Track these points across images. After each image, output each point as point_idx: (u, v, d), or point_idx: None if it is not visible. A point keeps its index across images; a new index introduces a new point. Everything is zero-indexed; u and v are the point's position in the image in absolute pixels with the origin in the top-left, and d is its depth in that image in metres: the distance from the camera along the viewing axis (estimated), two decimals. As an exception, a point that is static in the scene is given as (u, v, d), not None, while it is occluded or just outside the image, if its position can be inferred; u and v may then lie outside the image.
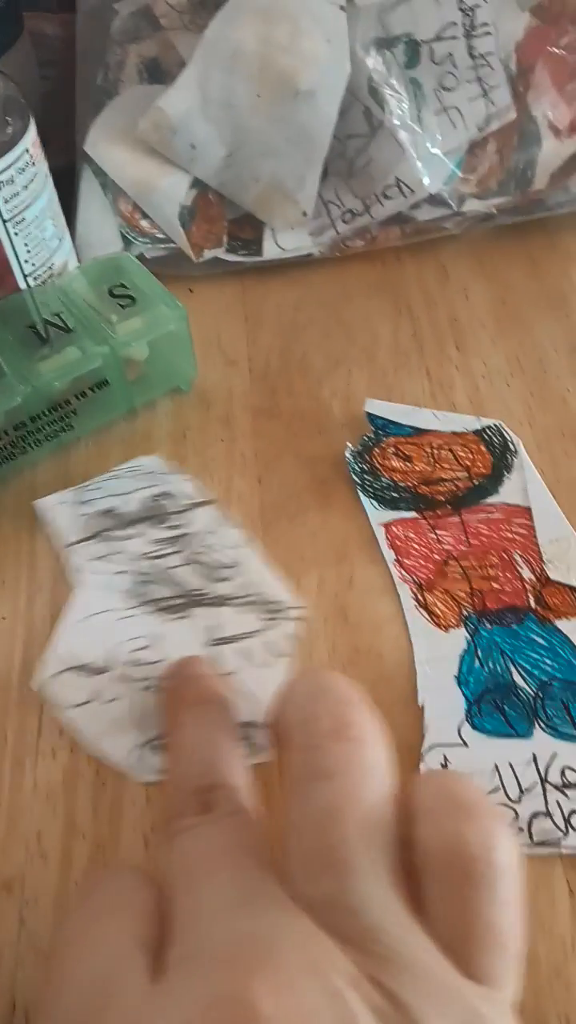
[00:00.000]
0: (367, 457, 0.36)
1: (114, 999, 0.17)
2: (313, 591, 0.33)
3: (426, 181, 0.41)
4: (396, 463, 0.36)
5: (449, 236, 0.45)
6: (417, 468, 0.35)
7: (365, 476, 0.35)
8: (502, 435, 0.37)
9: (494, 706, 0.29)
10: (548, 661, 0.30)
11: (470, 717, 0.29)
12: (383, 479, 0.35)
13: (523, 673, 0.30)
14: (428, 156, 0.42)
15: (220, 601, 0.32)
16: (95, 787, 0.28)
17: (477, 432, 0.37)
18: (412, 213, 0.43)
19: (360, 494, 0.35)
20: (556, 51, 0.41)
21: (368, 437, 0.37)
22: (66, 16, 0.48)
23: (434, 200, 0.43)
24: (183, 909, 0.18)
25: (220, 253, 0.44)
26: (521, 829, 0.27)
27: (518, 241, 0.45)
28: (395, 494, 0.35)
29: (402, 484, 0.35)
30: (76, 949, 0.18)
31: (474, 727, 0.29)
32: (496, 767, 0.28)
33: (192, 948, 0.17)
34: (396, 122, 0.41)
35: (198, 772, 0.23)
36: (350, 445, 0.36)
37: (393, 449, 0.36)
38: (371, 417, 0.37)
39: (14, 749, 0.29)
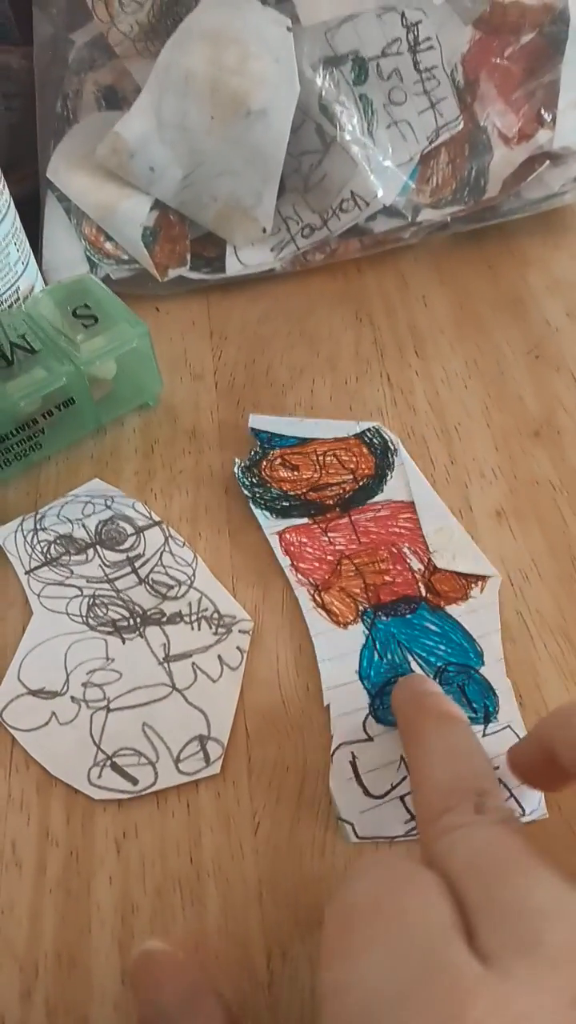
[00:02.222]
0: (255, 471, 0.37)
1: (439, 972, 0.16)
2: (280, 596, 0.33)
3: (380, 193, 0.42)
4: (284, 473, 0.37)
5: (407, 246, 0.46)
6: (304, 476, 0.37)
7: (255, 489, 0.36)
8: (382, 436, 0.38)
9: None
10: (442, 647, 0.31)
11: (373, 711, 0.30)
12: (273, 490, 0.36)
13: (420, 661, 0.31)
14: (381, 169, 0.43)
15: (173, 619, 0.32)
16: (67, 795, 0.29)
17: (358, 436, 0.38)
18: (369, 225, 0.44)
19: (252, 506, 0.36)
20: (500, 62, 0.42)
21: (255, 451, 0.38)
22: (29, 49, 0.49)
23: (390, 211, 0.44)
24: (497, 901, 0.18)
25: (184, 271, 0.45)
26: None
27: (474, 248, 0.46)
28: (286, 503, 0.36)
29: (291, 493, 0.36)
30: (384, 917, 0.18)
31: (378, 720, 0.30)
32: (401, 758, 0.29)
33: (527, 941, 0.17)
34: (348, 137, 0.42)
35: (471, 775, 0.23)
36: (238, 460, 0.37)
37: (280, 460, 0.37)
38: (255, 432, 0.38)
39: (-12, 762, 0.30)
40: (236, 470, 0.37)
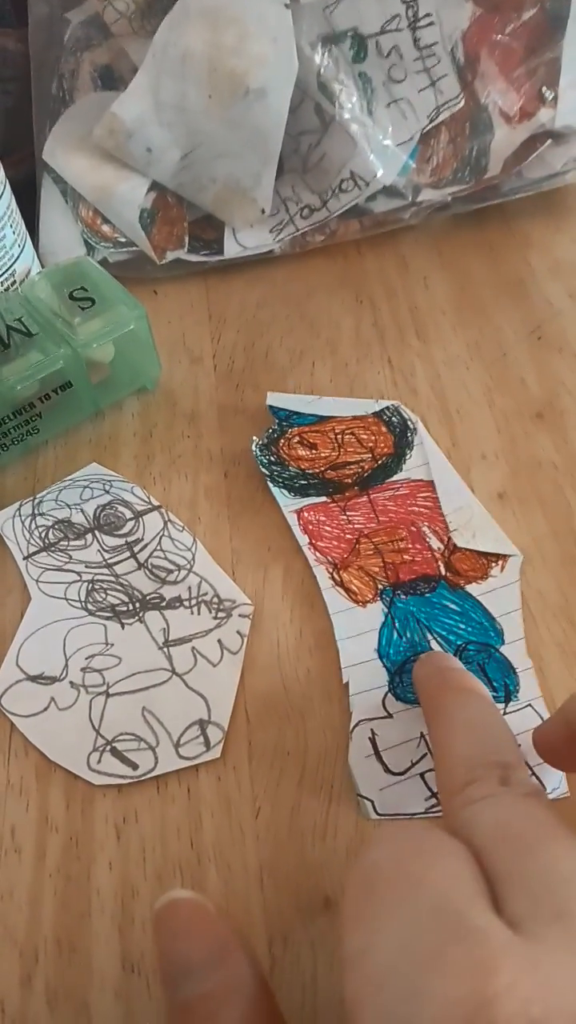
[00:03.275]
0: (273, 449, 0.37)
1: (466, 935, 0.16)
2: (280, 580, 0.33)
3: (380, 173, 0.42)
4: (302, 452, 0.36)
5: (407, 227, 0.45)
6: (323, 455, 0.36)
7: (273, 467, 0.36)
8: (400, 415, 0.38)
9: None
10: (462, 626, 0.31)
11: (393, 688, 0.30)
12: (291, 468, 0.36)
13: (439, 640, 0.31)
14: (381, 148, 0.42)
15: (173, 603, 0.32)
16: (67, 781, 0.29)
17: (377, 414, 0.38)
18: (369, 205, 0.44)
19: (270, 484, 0.35)
20: (501, 39, 0.42)
21: (273, 429, 0.37)
22: (25, 31, 0.48)
23: (390, 191, 0.43)
24: (525, 869, 0.18)
25: (182, 254, 0.44)
26: None
27: (475, 228, 0.46)
28: (303, 481, 0.35)
29: (309, 471, 0.36)
30: (408, 881, 0.18)
31: (397, 698, 0.30)
32: (422, 735, 0.29)
33: (557, 908, 0.17)
34: (347, 116, 0.41)
35: (495, 748, 0.22)
36: (255, 438, 0.37)
37: (298, 438, 0.37)
38: (273, 409, 0.38)
39: (-13, 747, 0.30)
40: (254, 447, 0.36)
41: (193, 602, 0.32)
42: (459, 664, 0.28)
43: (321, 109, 0.42)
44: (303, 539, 0.34)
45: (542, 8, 0.41)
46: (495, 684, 0.30)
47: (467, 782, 0.21)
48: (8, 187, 0.38)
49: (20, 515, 0.35)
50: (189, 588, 0.33)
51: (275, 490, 0.35)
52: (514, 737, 0.24)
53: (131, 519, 0.35)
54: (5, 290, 0.39)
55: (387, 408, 0.38)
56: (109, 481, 0.36)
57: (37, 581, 0.33)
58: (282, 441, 0.37)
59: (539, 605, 0.32)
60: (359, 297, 0.43)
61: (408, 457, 0.36)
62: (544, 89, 0.43)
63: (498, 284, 0.43)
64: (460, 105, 0.42)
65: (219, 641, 0.31)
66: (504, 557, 0.33)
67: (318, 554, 0.33)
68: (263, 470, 0.36)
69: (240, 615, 0.32)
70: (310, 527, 0.34)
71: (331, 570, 0.33)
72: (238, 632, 0.31)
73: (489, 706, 0.25)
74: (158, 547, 0.34)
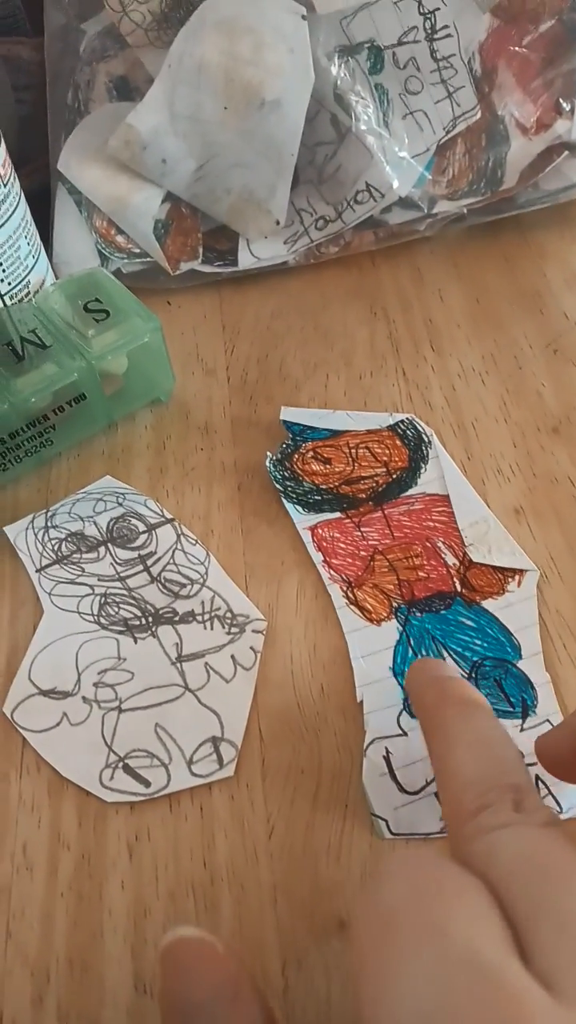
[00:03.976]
0: (287, 464, 0.36)
1: (497, 995, 0.15)
2: (294, 594, 0.33)
3: (396, 184, 0.42)
4: (316, 466, 0.36)
5: (423, 238, 0.45)
6: (337, 469, 0.36)
7: (287, 483, 0.36)
8: (415, 428, 0.37)
9: None
10: (478, 642, 0.31)
11: (407, 706, 0.29)
12: (305, 484, 0.36)
13: (455, 656, 0.31)
14: (396, 160, 0.42)
15: (186, 618, 0.32)
16: (79, 798, 0.28)
17: (391, 427, 0.37)
18: (384, 217, 0.44)
19: (284, 501, 0.35)
20: (519, 50, 0.41)
21: (287, 444, 0.37)
22: (41, 40, 0.48)
23: (405, 203, 0.43)
24: (553, 913, 0.16)
25: (196, 265, 0.44)
26: None
27: (491, 240, 0.46)
28: (318, 497, 0.35)
29: (323, 487, 0.36)
30: (428, 926, 0.16)
31: (412, 716, 0.29)
32: None
33: None
34: (363, 128, 0.41)
35: (506, 769, 0.21)
36: (269, 454, 0.37)
37: (312, 453, 0.37)
38: (287, 424, 0.38)
39: (-1, 763, 0.29)
40: (268, 463, 0.36)
41: (206, 617, 0.32)
42: (455, 671, 0.27)
43: (337, 120, 0.42)
44: (317, 557, 0.34)
45: (560, 20, 0.41)
46: (512, 699, 0.29)
47: (479, 808, 0.20)
48: (23, 199, 0.38)
49: (33, 527, 0.35)
50: (202, 602, 0.32)
51: (289, 506, 0.35)
52: (520, 754, 0.22)
53: (144, 532, 0.35)
54: (19, 301, 0.39)
55: (402, 421, 0.38)
56: (122, 494, 0.36)
57: (50, 594, 0.33)
58: (296, 456, 0.37)
59: (556, 622, 0.31)
60: (374, 309, 0.43)
61: (423, 471, 0.36)
62: (561, 100, 0.43)
63: (514, 296, 0.43)
64: (477, 117, 0.42)
65: (232, 657, 0.31)
66: (521, 572, 0.33)
67: (332, 572, 0.33)
68: (277, 486, 0.36)
69: (253, 631, 0.32)
70: (324, 544, 0.34)
71: (345, 588, 0.33)
72: (251, 648, 0.31)
73: (494, 721, 0.23)
74: (171, 560, 0.34)
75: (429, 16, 0.40)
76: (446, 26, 0.40)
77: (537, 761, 0.25)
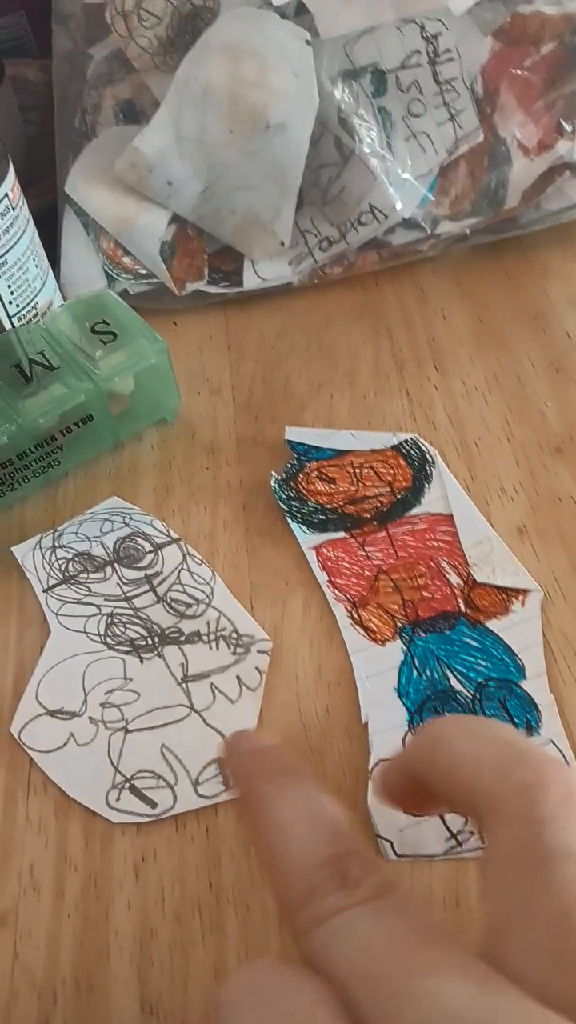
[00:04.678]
0: (292, 484, 0.37)
1: None
2: (299, 614, 0.33)
3: (399, 206, 0.42)
4: (320, 486, 0.36)
5: (426, 258, 0.45)
6: (341, 489, 0.36)
7: (292, 502, 0.36)
8: (419, 448, 0.37)
9: (435, 713, 0.30)
10: (482, 662, 0.31)
11: (412, 727, 0.30)
12: (310, 503, 0.36)
13: (460, 677, 0.31)
14: (400, 181, 0.42)
15: (191, 638, 0.32)
16: (85, 818, 0.29)
17: (395, 447, 0.38)
18: (387, 238, 0.44)
19: (288, 520, 0.35)
20: (520, 72, 0.42)
21: (291, 464, 0.37)
22: (48, 62, 0.49)
23: (408, 224, 0.44)
24: (399, 1017, 0.15)
25: (202, 286, 0.45)
26: (472, 832, 0.27)
27: (494, 260, 0.46)
28: (322, 516, 0.35)
29: (328, 506, 0.36)
30: None
31: None
32: None
33: None
34: (367, 150, 0.42)
35: (320, 840, 0.19)
36: (274, 474, 0.37)
37: (316, 473, 0.37)
38: (292, 444, 0.38)
39: (6, 783, 0.30)
40: (273, 483, 0.36)
41: (212, 637, 0.32)
42: (267, 741, 0.24)
43: (341, 143, 0.42)
44: (322, 576, 0.34)
45: (561, 43, 0.42)
46: (517, 720, 0.30)
47: (305, 895, 0.18)
48: (31, 222, 0.38)
49: (40, 547, 0.35)
50: (208, 623, 0.33)
51: (294, 526, 0.35)
52: (343, 815, 0.20)
53: (150, 552, 0.35)
54: (28, 323, 0.39)
55: (406, 441, 0.38)
56: (129, 513, 0.36)
57: (57, 614, 0.33)
58: (301, 476, 0.37)
59: (560, 642, 0.32)
60: (377, 328, 0.44)
61: (427, 490, 0.36)
62: (563, 121, 0.43)
63: (517, 316, 0.43)
64: (479, 138, 0.42)
65: (238, 677, 0.31)
66: (524, 592, 0.33)
67: (337, 592, 0.33)
68: (282, 505, 0.36)
69: (259, 651, 0.32)
70: (329, 564, 0.34)
71: (350, 608, 0.33)
72: (257, 668, 0.31)
73: (311, 787, 0.21)
74: (177, 580, 0.34)
75: (432, 40, 0.40)
76: (448, 50, 0.40)
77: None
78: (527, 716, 0.30)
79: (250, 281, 0.45)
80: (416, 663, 0.31)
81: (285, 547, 0.35)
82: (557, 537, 0.34)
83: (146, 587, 0.34)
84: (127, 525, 0.36)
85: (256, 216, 0.43)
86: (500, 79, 0.42)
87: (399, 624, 0.32)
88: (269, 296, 0.45)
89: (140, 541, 0.35)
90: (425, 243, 0.44)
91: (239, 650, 0.32)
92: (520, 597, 0.33)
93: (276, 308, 0.45)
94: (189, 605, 0.33)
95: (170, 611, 0.33)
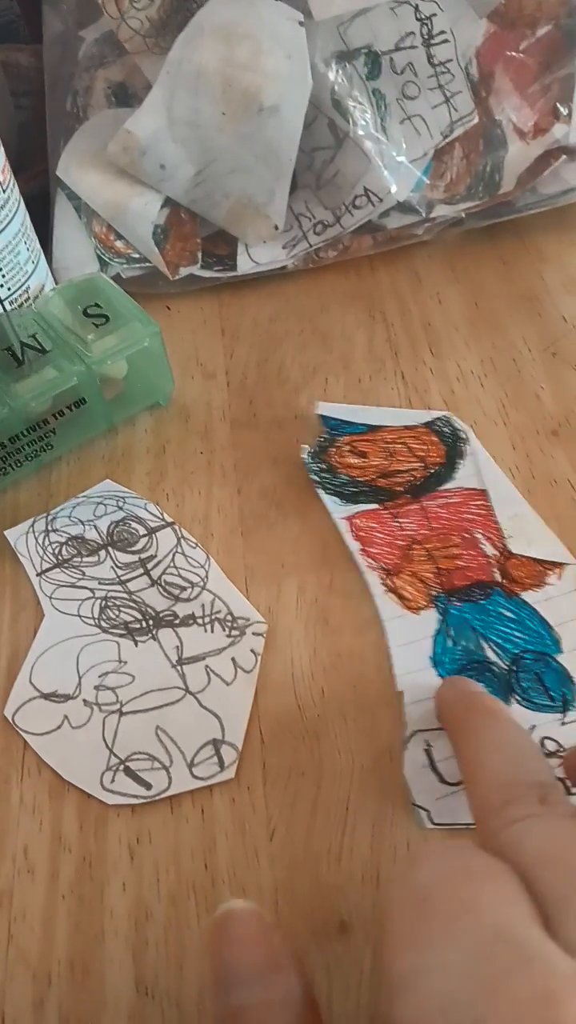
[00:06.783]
0: (323, 457, 0.37)
1: (527, 964, 0.16)
2: (294, 597, 0.33)
3: (394, 189, 0.42)
4: (352, 460, 0.36)
5: (421, 242, 0.45)
6: (373, 463, 0.36)
7: (324, 475, 0.36)
8: (452, 425, 0.37)
9: None
10: (518, 634, 0.31)
11: None
12: (341, 476, 0.36)
13: (495, 648, 0.31)
14: (395, 164, 0.42)
15: (186, 621, 0.32)
16: (80, 800, 0.28)
17: (428, 424, 0.38)
18: (382, 221, 0.44)
19: (320, 492, 0.35)
20: (516, 55, 0.42)
21: (323, 437, 0.37)
22: (39, 47, 0.48)
23: (403, 207, 0.43)
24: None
25: (195, 270, 0.44)
26: None
27: (489, 244, 0.46)
28: (354, 489, 0.35)
29: (360, 479, 0.36)
30: (462, 905, 0.17)
31: None
32: None
33: None
34: (361, 133, 0.41)
35: (530, 768, 0.22)
36: (306, 447, 0.37)
37: (348, 447, 0.37)
38: (324, 419, 0.38)
39: (0, 765, 0.29)
40: (305, 455, 0.36)
41: (207, 620, 0.32)
42: (483, 688, 0.28)
43: (335, 125, 0.42)
44: (354, 546, 0.34)
45: (557, 25, 0.41)
46: (552, 694, 0.29)
47: (505, 802, 0.21)
48: (23, 204, 0.38)
49: (34, 531, 0.35)
50: (203, 605, 0.33)
51: (326, 497, 0.35)
52: (546, 759, 0.24)
53: (144, 536, 0.35)
54: (19, 306, 0.39)
55: (439, 419, 0.38)
56: (123, 497, 0.36)
57: (51, 598, 0.33)
58: (332, 449, 0.37)
59: (555, 624, 0.31)
60: (372, 312, 0.43)
61: (460, 466, 0.36)
62: (558, 105, 0.43)
63: (512, 300, 0.43)
64: (474, 121, 0.42)
65: (233, 659, 0.31)
66: (561, 565, 0.33)
67: (369, 560, 0.33)
68: (313, 477, 0.36)
69: (254, 633, 0.32)
70: (361, 534, 0.34)
71: (383, 576, 0.33)
72: (252, 651, 0.31)
73: (518, 728, 0.25)
74: (171, 564, 0.34)
75: (426, 22, 0.40)
76: (443, 31, 0.40)
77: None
78: (563, 690, 0.30)
79: (244, 265, 0.44)
80: (451, 632, 0.31)
81: (280, 530, 0.35)
82: (553, 519, 0.34)
83: (140, 571, 0.34)
84: (121, 509, 0.36)
85: (250, 199, 0.43)
86: (495, 62, 0.42)
87: (433, 592, 0.32)
88: (263, 280, 0.45)
89: (134, 525, 0.35)
90: (420, 227, 0.44)
91: (234, 632, 0.32)
92: (556, 570, 0.33)
93: (270, 292, 0.45)
94: (184, 588, 0.33)
95: (165, 594, 0.33)
